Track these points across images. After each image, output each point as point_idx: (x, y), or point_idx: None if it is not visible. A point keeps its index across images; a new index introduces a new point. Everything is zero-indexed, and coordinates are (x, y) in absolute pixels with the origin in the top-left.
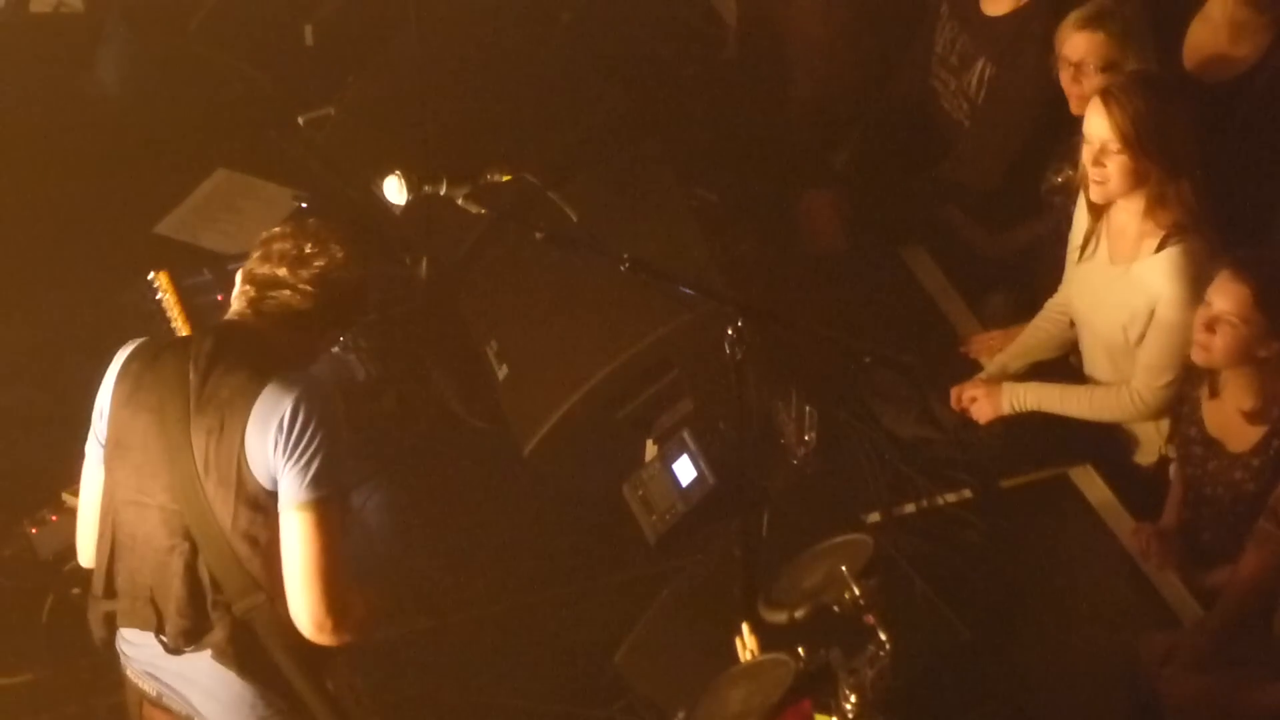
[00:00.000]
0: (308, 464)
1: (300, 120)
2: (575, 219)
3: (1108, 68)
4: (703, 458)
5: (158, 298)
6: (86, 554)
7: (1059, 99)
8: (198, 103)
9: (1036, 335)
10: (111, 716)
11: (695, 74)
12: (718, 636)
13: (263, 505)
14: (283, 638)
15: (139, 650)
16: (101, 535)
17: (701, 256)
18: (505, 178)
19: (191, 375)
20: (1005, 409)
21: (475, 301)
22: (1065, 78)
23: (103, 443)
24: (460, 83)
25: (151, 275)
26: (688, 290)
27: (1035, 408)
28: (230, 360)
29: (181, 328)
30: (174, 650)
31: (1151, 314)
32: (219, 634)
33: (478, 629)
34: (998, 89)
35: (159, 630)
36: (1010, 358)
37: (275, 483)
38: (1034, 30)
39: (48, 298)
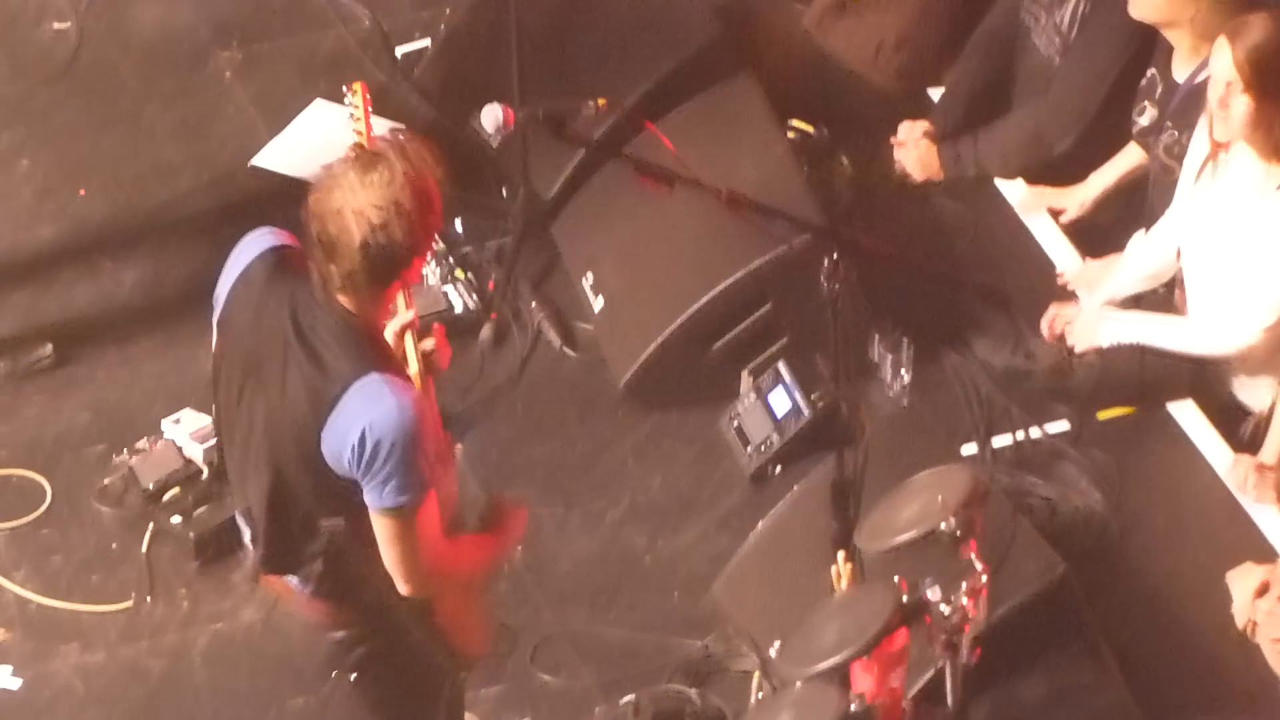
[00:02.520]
0: (384, 480)
1: (397, 53)
2: (673, 150)
3: None
4: (798, 390)
5: (351, 107)
6: None
7: (1151, 35)
8: (294, 37)
9: (1138, 264)
10: (211, 645)
11: (791, 6)
12: (814, 567)
13: (341, 490)
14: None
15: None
16: (214, 418)
17: (798, 189)
18: (602, 105)
19: (291, 334)
20: (1103, 341)
21: (571, 233)
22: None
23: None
24: (557, 15)
25: (348, 88)
26: (784, 222)
27: (1135, 339)
28: (317, 343)
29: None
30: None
31: (1268, 251)
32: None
33: (575, 561)
34: (1091, 24)
35: (253, 541)
36: (1110, 289)
37: (350, 476)
38: None
39: (149, 231)
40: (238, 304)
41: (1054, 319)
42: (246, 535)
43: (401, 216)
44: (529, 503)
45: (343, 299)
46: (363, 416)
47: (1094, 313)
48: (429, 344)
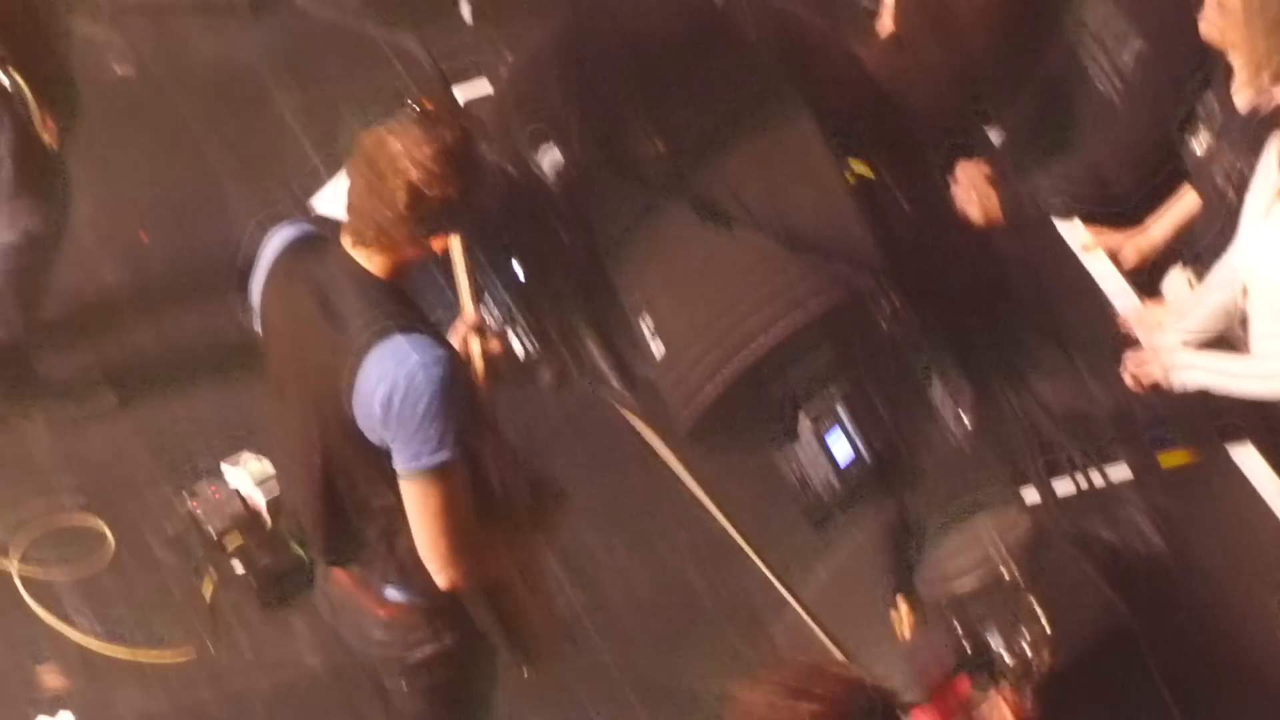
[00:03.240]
0: (408, 439)
1: (456, 95)
2: (731, 193)
3: None
4: (858, 433)
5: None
6: None
7: (1210, 67)
8: (355, 78)
9: (1204, 304)
10: (275, 692)
11: (851, 48)
12: (874, 612)
13: (384, 464)
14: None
15: None
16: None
17: (857, 230)
18: (661, 150)
19: (314, 309)
20: (1175, 384)
21: (630, 275)
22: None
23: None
24: (615, 56)
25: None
26: (843, 264)
27: (1209, 382)
28: (343, 310)
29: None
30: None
31: None
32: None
33: (634, 604)
34: (1151, 64)
35: (312, 542)
36: (1179, 332)
37: (384, 443)
38: (1191, 6)
39: (209, 274)
40: (270, 300)
41: (1136, 368)
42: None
43: (457, 171)
44: (588, 546)
45: (366, 259)
46: (387, 375)
47: (1168, 355)
48: (493, 346)
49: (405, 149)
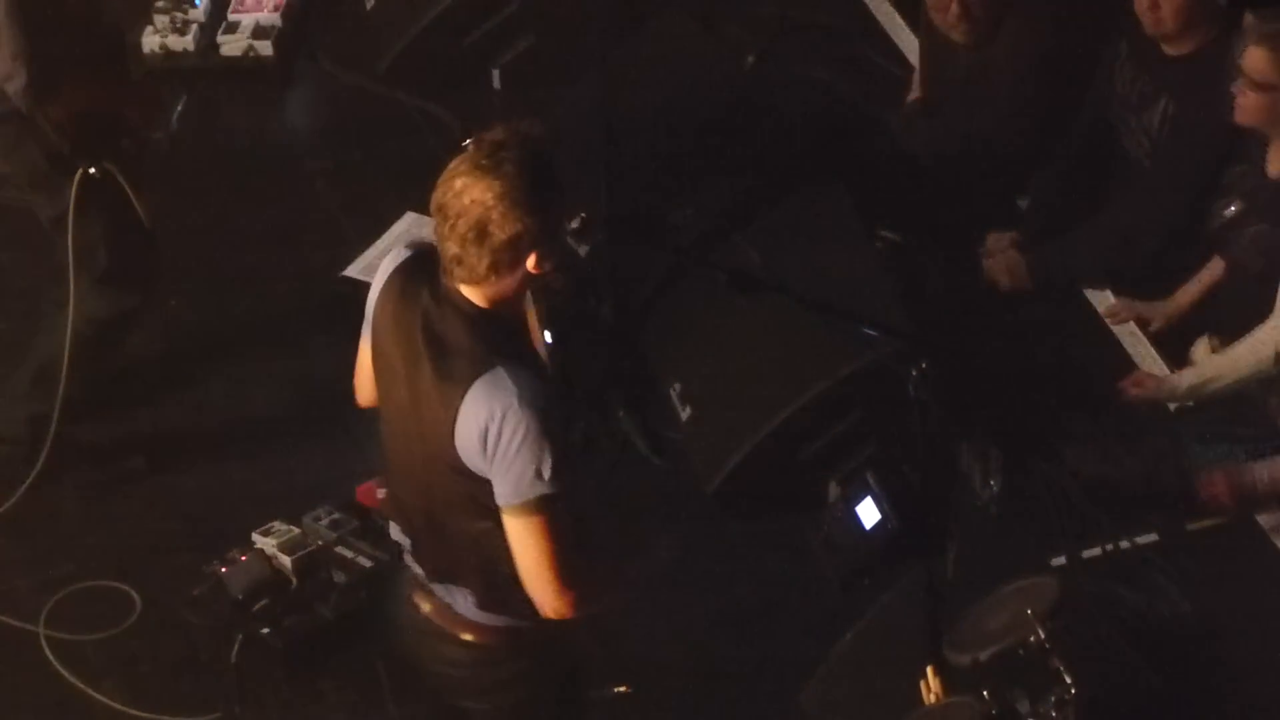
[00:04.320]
0: (511, 470)
1: None
2: (759, 259)
3: None
4: (887, 499)
5: None
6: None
7: (1240, 135)
8: (385, 145)
9: (1235, 365)
10: None
11: (879, 114)
12: (902, 679)
13: (476, 489)
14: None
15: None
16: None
17: (886, 296)
18: (687, 217)
19: (420, 337)
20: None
21: (658, 340)
22: (1250, 91)
23: (369, 324)
24: (643, 124)
25: None
26: (872, 330)
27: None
28: (445, 339)
29: None
30: (430, 579)
31: None
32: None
33: (661, 667)
34: (1182, 127)
35: (414, 553)
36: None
37: (485, 474)
38: (1219, 69)
39: (237, 340)
40: (380, 318)
41: (1134, 386)
42: (407, 553)
43: (520, 204)
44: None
45: (467, 290)
46: (487, 406)
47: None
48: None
49: (466, 188)
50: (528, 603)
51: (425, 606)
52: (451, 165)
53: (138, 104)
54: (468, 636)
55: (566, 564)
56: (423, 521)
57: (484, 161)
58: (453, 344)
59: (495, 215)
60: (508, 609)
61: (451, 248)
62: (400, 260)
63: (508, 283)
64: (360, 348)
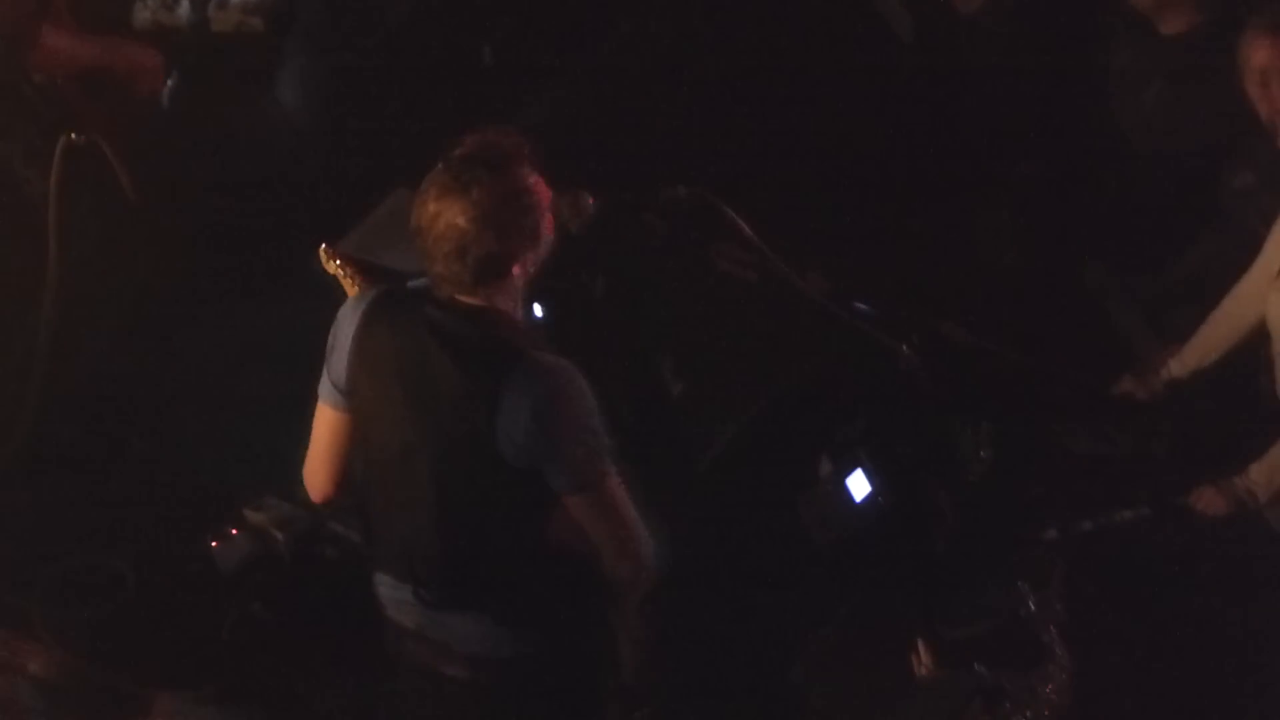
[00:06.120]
0: (564, 454)
1: None
2: (753, 235)
3: None
4: (878, 473)
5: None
6: (318, 489)
7: (1238, 113)
8: (376, 121)
9: (1218, 331)
10: None
11: (870, 88)
12: (895, 652)
13: (518, 493)
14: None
15: (397, 591)
16: (360, 480)
17: (878, 271)
18: (683, 193)
19: (435, 344)
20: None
21: (651, 316)
22: (1252, 84)
23: (341, 388)
24: (636, 101)
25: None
26: (864, 305)
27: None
28: (462, 345)
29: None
30: (433, 606)
31: None
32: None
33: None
34: (1176, 107)
35: (414, 594)
36: (1192, 359)
37: (534, 465)
38: (1212, 46)
39: (228, 314)
40: (366, 357)
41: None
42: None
43: (491, 224)
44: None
45: (464, 298)
46: (526, 397)
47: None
48: None
49: (440, 212)
50: (547, 611)
51: (421, 648)
52: (424, 186)
53: (129, 64)
54: (457, 673)
55: (639, 524)
56: (433, 550)
57: (453, 184)
58: (475, 343)
59: (470, 238)
60: (522, 624)
61: (437, 266)
62: (367, 302)
63: (500, 285)
64: (315, 424)
